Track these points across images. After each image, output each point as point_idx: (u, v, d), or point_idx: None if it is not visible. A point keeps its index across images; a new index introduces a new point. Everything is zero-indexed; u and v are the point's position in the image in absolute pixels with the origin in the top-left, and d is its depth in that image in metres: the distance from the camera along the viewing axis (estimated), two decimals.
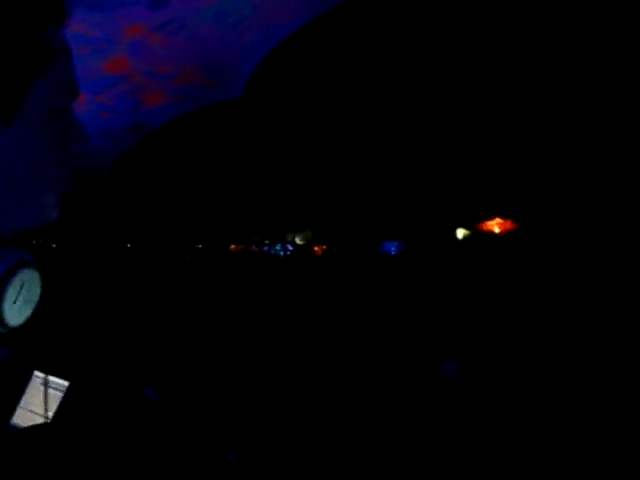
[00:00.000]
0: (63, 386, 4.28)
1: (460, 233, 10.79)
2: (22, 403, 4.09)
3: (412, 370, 7.51)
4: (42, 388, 4.18)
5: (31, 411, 4.13)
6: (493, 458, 5.46)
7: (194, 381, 6.53)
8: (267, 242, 12.36)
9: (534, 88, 9.19)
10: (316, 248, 11.87)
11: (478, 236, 10.61)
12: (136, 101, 7.61)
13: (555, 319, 8.06)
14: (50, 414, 4.18)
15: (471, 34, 8.76)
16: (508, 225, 10.47)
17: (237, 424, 5.91)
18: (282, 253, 12.13)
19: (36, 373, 4.27)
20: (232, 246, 12.87)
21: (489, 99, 9.50)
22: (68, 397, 4.13)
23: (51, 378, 4.19)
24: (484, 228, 10.59)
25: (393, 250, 10.87)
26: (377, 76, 9.63)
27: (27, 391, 4.13)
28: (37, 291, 1.13)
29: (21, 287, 1.08)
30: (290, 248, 12.05)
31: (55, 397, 4.19)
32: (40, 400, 4.15)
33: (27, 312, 1.11)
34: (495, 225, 10.55)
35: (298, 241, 12.00)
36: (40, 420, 4.12)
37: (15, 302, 1.08)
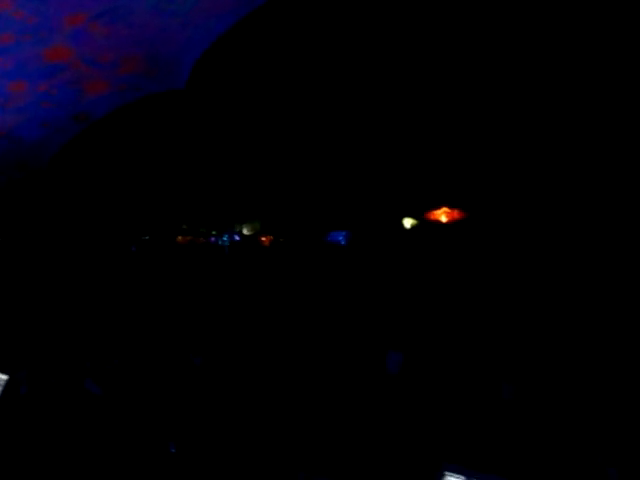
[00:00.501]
0: (1, 380, 4.20)
1: (408, 222, 10.83)
2: None
3: (359, 359, 7.53)
4: None
5: None
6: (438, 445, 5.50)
7: (139, 373, 6.46)
8: (214, 233, 12.26)
9: (475, 79, 9.25)
10: (263, 239, 11.81)
11: (425, 225, 10.66)
12: (78, 90, 7.46)
13: (501, 307, 8.16)
14: None
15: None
16: (455, 214, 10.53)
17: (179, 416, 5.86)
18: (228, 244, 12.04)
19: None
20: (179, 237, 12.74)
21: (432, 89, 9.54)
22: (6, 391, 4.05)
23: None
24: (431, 217, 10.64)
25: (341, 240, 10.87)
26: (318, 65, 9.60)
27: None
28: None
29: None
30: (237, 239, 11.97)
31: None
32: None
33: None
34: (442, 214, 10.60)
35: (245, 232, 11.93)
36: None
37: None
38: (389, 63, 9.48)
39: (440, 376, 7.00)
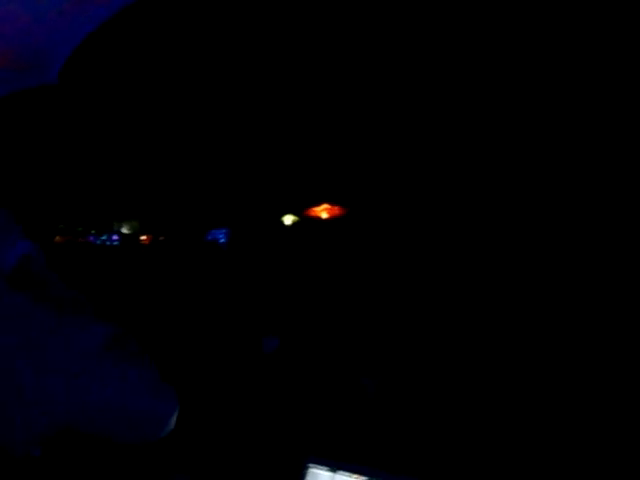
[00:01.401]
0: None
1: (289, 219, 10.91)
2: None
3: (237, 346, 7.56)
4: None
5: None
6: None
7: None
8: (93, 232, 11.97)
9: (341, 76, 9.36)
10: (143, 237, 11.63)
11: (306, 221, 10.76)
12: None
13: (378, 298, 8.31)
14: None
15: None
16: (335, 211, 10.67)
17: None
18: (108, 243, 11.80)
19: None
20: (57, 237, 12.37)
21: (306, 86, 9.61)
22: None
23: None
24: (312, 214, 10.75)
25: (221, 238, 10.84)
26: (200, 61, 9.51)
27: None
28: None
29: None
30: (116, 238, 11.74)
31: None
32: None
33: None
34: (323, 211, 10.73)
35: (125, 231, 11.71)
36: None
37: None
38: (255, 61, 9.48)
39: (313, 365, 7.11)
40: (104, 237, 11.88)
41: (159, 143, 10.61)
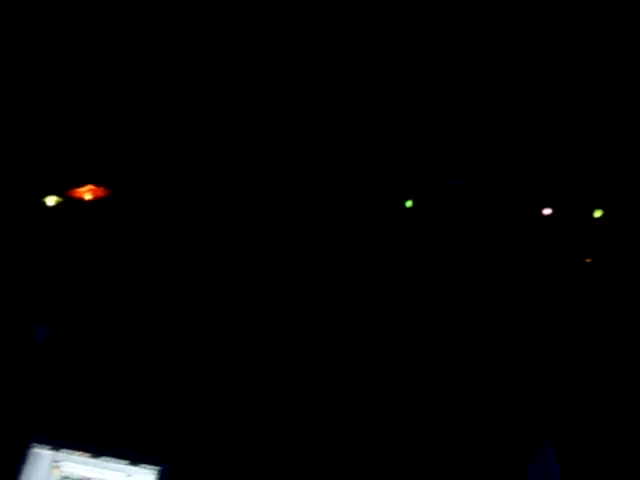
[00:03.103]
0: None
1: (52, 200, 10.66)
2: None
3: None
4: None
5: None
6: None
7: None
8: None
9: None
10: None
11: (70, 203, 10.56)
12: None
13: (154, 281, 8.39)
14: None
15: None
16: (100, 192, 10.55)
17: None
18: None
19: None
20: None
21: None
22: None
23: None
24: (75, 195, 10.56)
25: None
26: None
27: None
28: None
29: None
30: None
31: None
32: None
33: None
34: (87, 192, 10.58)
35: None
36: None
37: None
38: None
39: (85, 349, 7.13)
40: None
41: None
